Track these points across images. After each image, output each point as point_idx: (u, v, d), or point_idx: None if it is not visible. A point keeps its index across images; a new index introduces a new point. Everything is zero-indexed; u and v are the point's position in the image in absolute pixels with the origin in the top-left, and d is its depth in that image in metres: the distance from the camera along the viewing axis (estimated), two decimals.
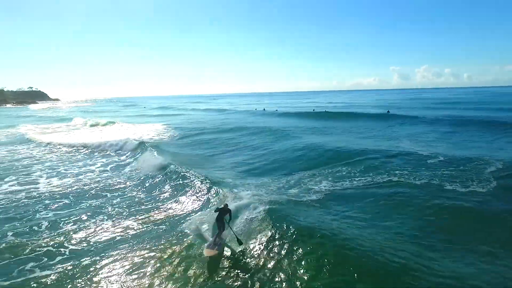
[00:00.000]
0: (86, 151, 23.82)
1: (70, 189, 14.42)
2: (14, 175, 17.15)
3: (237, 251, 8.26)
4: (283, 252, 7.82)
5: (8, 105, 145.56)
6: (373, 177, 13.70)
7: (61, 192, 14.00)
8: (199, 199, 12.26)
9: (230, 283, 7.04)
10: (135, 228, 10.08)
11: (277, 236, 8.43)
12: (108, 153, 22.91)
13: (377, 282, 6.45)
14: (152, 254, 8.32)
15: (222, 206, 9.02)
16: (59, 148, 25.82)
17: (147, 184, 14.83)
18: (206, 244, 8.18)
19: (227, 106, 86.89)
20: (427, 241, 8.27)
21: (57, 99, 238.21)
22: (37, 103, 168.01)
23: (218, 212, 8.73)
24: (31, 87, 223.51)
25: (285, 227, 8.72)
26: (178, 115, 61.31)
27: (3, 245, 9.08)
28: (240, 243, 8.24)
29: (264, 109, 63.76)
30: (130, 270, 7.66)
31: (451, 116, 35.91)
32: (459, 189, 11.82)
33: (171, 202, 12.36)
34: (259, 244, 8.33)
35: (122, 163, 19.83)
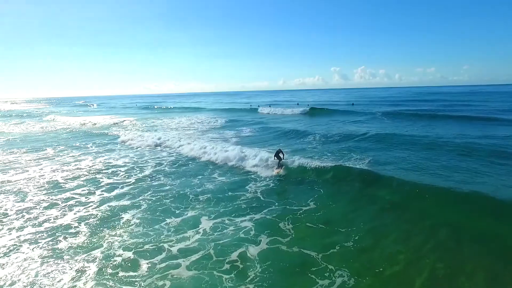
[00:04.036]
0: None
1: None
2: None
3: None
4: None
5: None
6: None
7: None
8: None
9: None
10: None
11: None
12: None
13: None
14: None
15: (278, 149, 15.60)
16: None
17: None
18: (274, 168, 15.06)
19: (202, 105, 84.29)
20: None
21: None
22: None
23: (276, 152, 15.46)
24: None
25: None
26: (192, 112, 59.12)
27: None
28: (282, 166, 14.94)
29: (251, 106, 67.08)
30: None
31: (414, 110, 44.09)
32: None
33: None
34: None
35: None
